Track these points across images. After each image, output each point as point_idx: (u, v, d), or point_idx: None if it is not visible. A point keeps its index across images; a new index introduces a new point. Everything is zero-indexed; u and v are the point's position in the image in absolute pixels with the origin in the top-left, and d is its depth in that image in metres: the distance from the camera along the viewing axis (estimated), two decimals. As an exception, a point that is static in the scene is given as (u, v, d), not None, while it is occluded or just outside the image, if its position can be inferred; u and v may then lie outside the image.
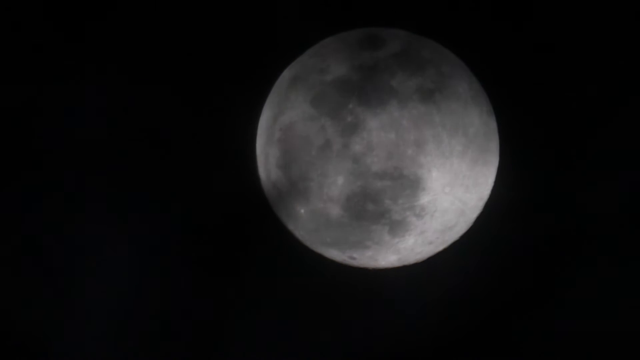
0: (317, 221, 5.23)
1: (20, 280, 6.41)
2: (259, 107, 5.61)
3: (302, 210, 5.26)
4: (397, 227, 5.13)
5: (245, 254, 6.39)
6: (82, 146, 6.35)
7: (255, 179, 5.68)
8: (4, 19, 6.26)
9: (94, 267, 6.42)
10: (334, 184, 5.05)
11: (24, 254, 6.40)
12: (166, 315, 6.47)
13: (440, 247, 5.54)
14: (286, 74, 5.49)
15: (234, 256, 6.42)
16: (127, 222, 6.40)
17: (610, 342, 6.40)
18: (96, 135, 6.35)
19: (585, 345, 6.41)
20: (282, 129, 5.23)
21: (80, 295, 6.43)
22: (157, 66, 6.34)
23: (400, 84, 5.03)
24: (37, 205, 6.36)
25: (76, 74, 6.33)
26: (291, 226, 5.55)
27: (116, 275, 6.44)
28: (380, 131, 4.94)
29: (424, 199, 5.05)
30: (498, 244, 6.31)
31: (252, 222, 6.25)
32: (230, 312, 6.50)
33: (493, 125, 5.47)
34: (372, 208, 5.05)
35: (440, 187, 5.06)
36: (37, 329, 6.41)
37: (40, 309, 6.42)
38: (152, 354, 6.47)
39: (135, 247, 6.42)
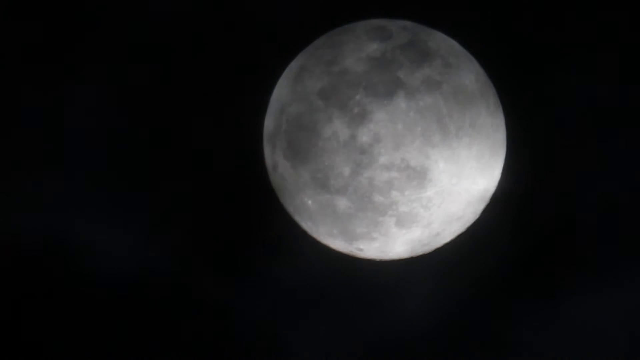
0: (324, 213, 5.23)
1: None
2: (266, 98, 5.61)
3: (309, 202, 5.26)
4: (405, 219, 5.13)
5: (252, 245, 6.40)
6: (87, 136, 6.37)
7: (262, 170, 5.68)
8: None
9: (93, 257, 6.43)
10: (341, 176, 5.04)
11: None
12: (166, 311, 6.48)
13: (448, 239, 5.55)
14: (293, 66, 5.48)
15: (240, 247, 6.42)
16: (127, 216, 6.41)
17: (611, 342, 6.40)
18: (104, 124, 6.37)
19: (585, 344, 6.41)
20: (289, 120, 5.22)
21: (79, 286, 6.44)
22: (158, 57, 6.34)
23: (408, 76, 5.03)
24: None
25: (76, 70, 6.33)
26: (298, 217, 5.56)
27: (114, 267, 6.45)
28: (388, 122, 4.94)
29: (431, 191, 5.05)
30: (500, 237, 6.31)
31: (258, 213, 6.25)
32: (234, 304, 6.51)
33: (500, 117, 5.47)
34: (379, 199, 5.05)
35: (447, 179, 5.06)
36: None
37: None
38: (152, 344, 6.48)
39: (137, 243, 6.43)
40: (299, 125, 5.15)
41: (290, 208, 5.54)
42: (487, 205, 5.58)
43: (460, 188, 5.14)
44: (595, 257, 6.38)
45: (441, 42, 5.33)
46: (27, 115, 6.35)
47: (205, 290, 6.48)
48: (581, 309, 6.42)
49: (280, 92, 5.44)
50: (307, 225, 5.52)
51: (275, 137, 5.37)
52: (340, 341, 6.48)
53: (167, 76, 6.35)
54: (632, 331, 6.39)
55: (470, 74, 5.27)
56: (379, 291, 6.37)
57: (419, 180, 5.00)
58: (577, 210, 6.38)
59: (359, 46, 5.15)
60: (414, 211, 5.11)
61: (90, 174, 6.38)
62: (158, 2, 6.31)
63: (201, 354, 6.52)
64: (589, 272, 6.39)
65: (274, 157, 5.41)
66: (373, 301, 6.41)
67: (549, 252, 6.42)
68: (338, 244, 5.50)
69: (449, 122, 5.02)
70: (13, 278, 6.42)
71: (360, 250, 5.45)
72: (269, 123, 5.51)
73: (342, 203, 5.12)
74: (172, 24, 6.33)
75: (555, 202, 6.38)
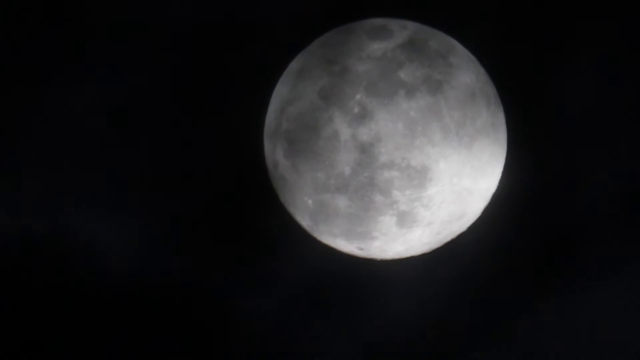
0: (325, 212, 5.23)
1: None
2: (267, 97, 5.61)
3: (310, 201, 5.26)
4: (405, 218, 5.13)
5: (252, 244, 6.40)
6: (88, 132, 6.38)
7: (262, 170, 5.68)
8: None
9: (93, 257, 6.43)
10: (342, 175, 5.04)
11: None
12: (166, 311, 6.48)
13: (448, 238, 5.54)
14: (294, 65, 5.49)
15: (240, 247, 6.42)
16: (127, 216, 6.41)
17: (611, 342, 6.40)
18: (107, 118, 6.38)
19: (585, 344, 6.41)
20: (290, 120, 5.23)
21: (79, 286, 6.44)
22: (158, 58, 6.34)
23: (408, 75, 5.03)
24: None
25: (77, 71, 6.34)
26: (298, 217, 5.55)
27: (114, 267, 6.45)
28: (388, 122, 4.94)
29: (432, 190, 5.05)
30: (501, 237, 6.31)
31: (259, 212, 6.25)
32: (234, 304, 6.50)
33: (500, 116, 5.47)
34: (379, 199, 5.05)
35: (448, 178, 5.06)
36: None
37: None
38: (152, 343, 6.48)
39: (137, 243, 6.43)
40: (299, 124, 5.15)
41: (291, 207, 5.54)
42: (488, 205, 5.58)
43: (461, 187, 5.14)
44: (595, 257, 6.39)
45: (442, 41, 5.33)
46: (27, 115, 6.35)
47: (206, 290, 6.48)
48: (581, 309, 6.42)
49: (281, 91, 5.44)
50: (308, 225, 5.52)
51: (276, 136, 5.36)
52: (340, 340, 6.48)
53: (167, 76, 6.35)
54: (632, 331, 6.39)
55: (470, 74, 5.27)
56: (379, 290, 6.37)
57: (420, 180, 5.00)
58: (578, 210, 6.38)
59: (360, 46, 5.15)
60: (414, 210, 5.10)
61: (90, 174, 6.38)
62: (158, 2, 6.32)
63: (201, 354, 6.52)
64: (589, 272, 6.39)
65: (275, 157, 5.41)
66: (373, 300, 6.42)
67: (549, 252, 6.42)
68: (338, 244, 5.50)
69: (449, 121, 5.02)
70: (13, 278, 6.42)
71: (361, 249, 5.45)
72: (269, 122, 5.51)
73: (342, 202, 5.11)
74: (172, 24, 6.33)
75: (555, 201, 6.39)
